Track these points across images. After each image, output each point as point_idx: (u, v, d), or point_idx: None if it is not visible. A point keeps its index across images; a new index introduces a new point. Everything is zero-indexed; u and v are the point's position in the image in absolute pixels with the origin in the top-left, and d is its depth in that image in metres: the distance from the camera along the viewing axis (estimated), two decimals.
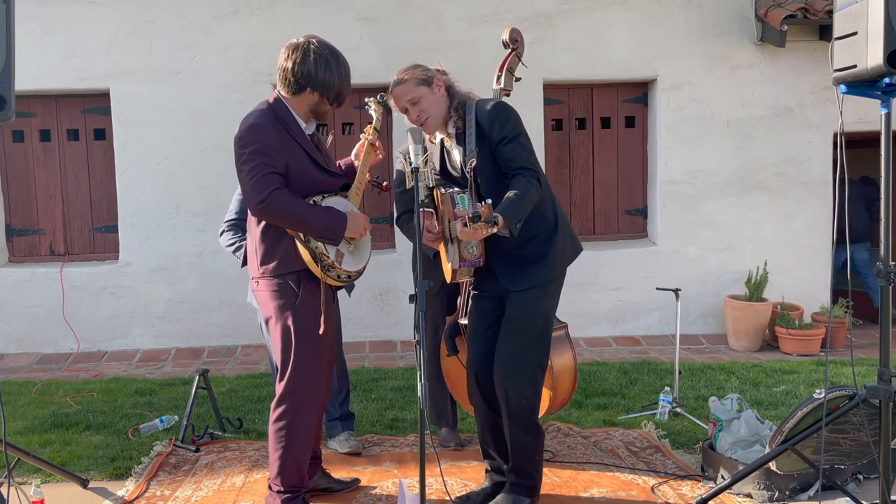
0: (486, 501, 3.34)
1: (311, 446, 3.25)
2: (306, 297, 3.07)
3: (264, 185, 2.94)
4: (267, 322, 3.16)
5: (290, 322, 3.06)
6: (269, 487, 3.22)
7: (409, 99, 3.12)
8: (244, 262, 3.84)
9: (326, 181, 3.16)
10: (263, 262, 3.09)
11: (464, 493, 3.44)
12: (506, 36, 3.84)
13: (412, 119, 3.16)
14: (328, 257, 3.03)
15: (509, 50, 3.83)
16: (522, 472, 3.23)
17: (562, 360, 3.69)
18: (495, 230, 2.83)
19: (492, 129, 3.06)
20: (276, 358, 3.13)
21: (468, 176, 3.13)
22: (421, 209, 3.24)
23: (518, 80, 3.88)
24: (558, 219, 3.23)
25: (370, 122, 3.33)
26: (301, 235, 3.03)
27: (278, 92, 3.12)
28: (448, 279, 3.25)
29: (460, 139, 3.16)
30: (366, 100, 3.39)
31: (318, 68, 3.01)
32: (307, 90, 3.05)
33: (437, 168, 3.28)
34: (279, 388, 3.11)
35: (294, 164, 3.05)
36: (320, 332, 3.06)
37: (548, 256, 3.16)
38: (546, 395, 3.63)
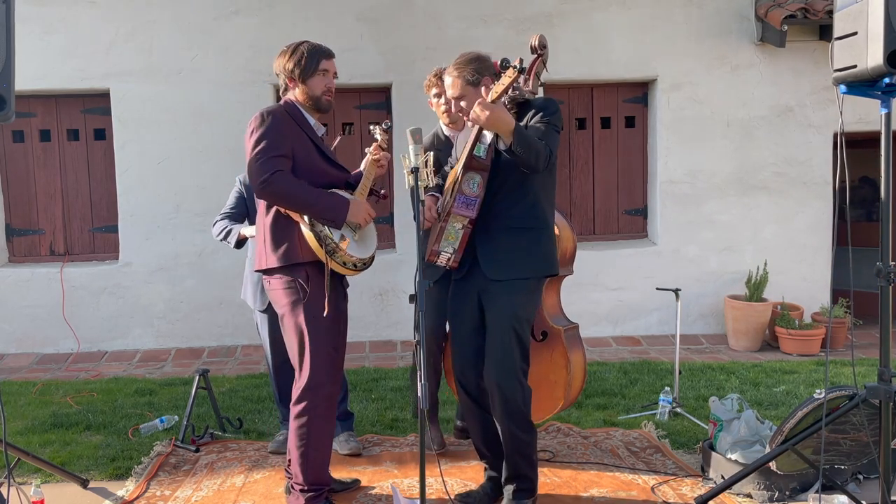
0: (485, 500, 3.34)
1: (332, 442, 3.30)
2: (315, 293, 3.11)
3: (268, 166, 3.04)
4: (280, 318, 3.22)
5: (301, 320, 3.11)
6: (291, 488, 3.25)
7: (453, 95, 3.18)
8: (238, 245, 3.92)
9: (333, 173, 3.27)
10: (271, 254, 3.15)
11: (464, 492, 3.44)
12: (535, 42, 3.84)
13: (450, 108, 3.25)
14: (332, 241, 3.09)
15: (536, 55, 3.83)
16: (522, 475, 3.22)
17: (577, 358, 3.75)
18: (521, 84, 2.94)
19: (541, 111, 3.11)
20: (293, 356, 3.18)
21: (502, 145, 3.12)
22: (430, 193, 3.28)
23: (542, 84, 3.89)
24: (552, 228, 3.25)
25: (376, 141, 3.45)
26: (306, 219, 3.09)
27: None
28: (427, 256, 3.20)
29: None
30: (371, 127, 3.47)
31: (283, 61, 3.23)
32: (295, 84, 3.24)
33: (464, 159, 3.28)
34: (297, 386, 3.16)
35: (302, 153, 3.15)
36: (324, 314, 3.10)
37: (534, 254, 3.15)
38: (561, 392, 3.70)
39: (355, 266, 3.17)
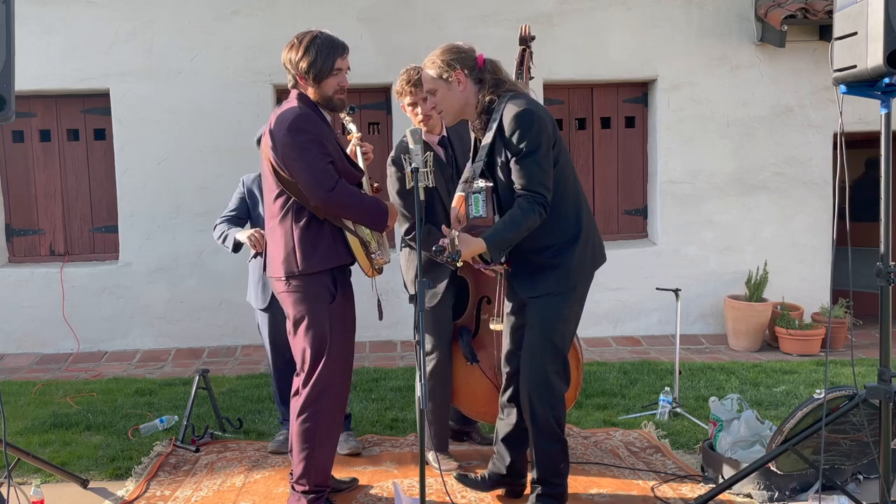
0: (481, 487, 3.37)
1: (336, 444, 3.29)
2: (341, 298, 3.13)
3: (329, 173, 2.98)
4: (296, 322, 3.12)
5: (327, 324, 3.08)
6: (293, 488, 3.23)
7: (427, 89, 3.09)
8: (235, 248, 3.90)
9: (355, 173, 3.22)
10: (304, 259, 3.05)
11: (463, 472, 3.49)
12: (524, 32, 3.77)
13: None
14: (374, 245, 3.13)
15: (525, 47, 3.78)
16: (548, 482, 3.21)
17: (580, 356, 3.78)
18: (460, 264, 2.87)
19: (511, 138, 2.92)
20: (303, 357, 3.12)
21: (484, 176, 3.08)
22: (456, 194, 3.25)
23: (532, 78, 3.84)
24: (581, 229, 3.10)
25: (350, 133, 3.45)
26: (350, 224, 3.08)
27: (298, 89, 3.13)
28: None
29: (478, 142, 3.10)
30: (342, 115, 3.42)
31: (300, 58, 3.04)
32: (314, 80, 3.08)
33: (470, 156, 3.25)
34: (305, 389, 3.11)
35: (336, 155, 3.08)
36: (380, 319, 3.19)
37: (561, 267, 3.05)
38: (572, 393, 3.71)
39: (381, 269, 3.22)
